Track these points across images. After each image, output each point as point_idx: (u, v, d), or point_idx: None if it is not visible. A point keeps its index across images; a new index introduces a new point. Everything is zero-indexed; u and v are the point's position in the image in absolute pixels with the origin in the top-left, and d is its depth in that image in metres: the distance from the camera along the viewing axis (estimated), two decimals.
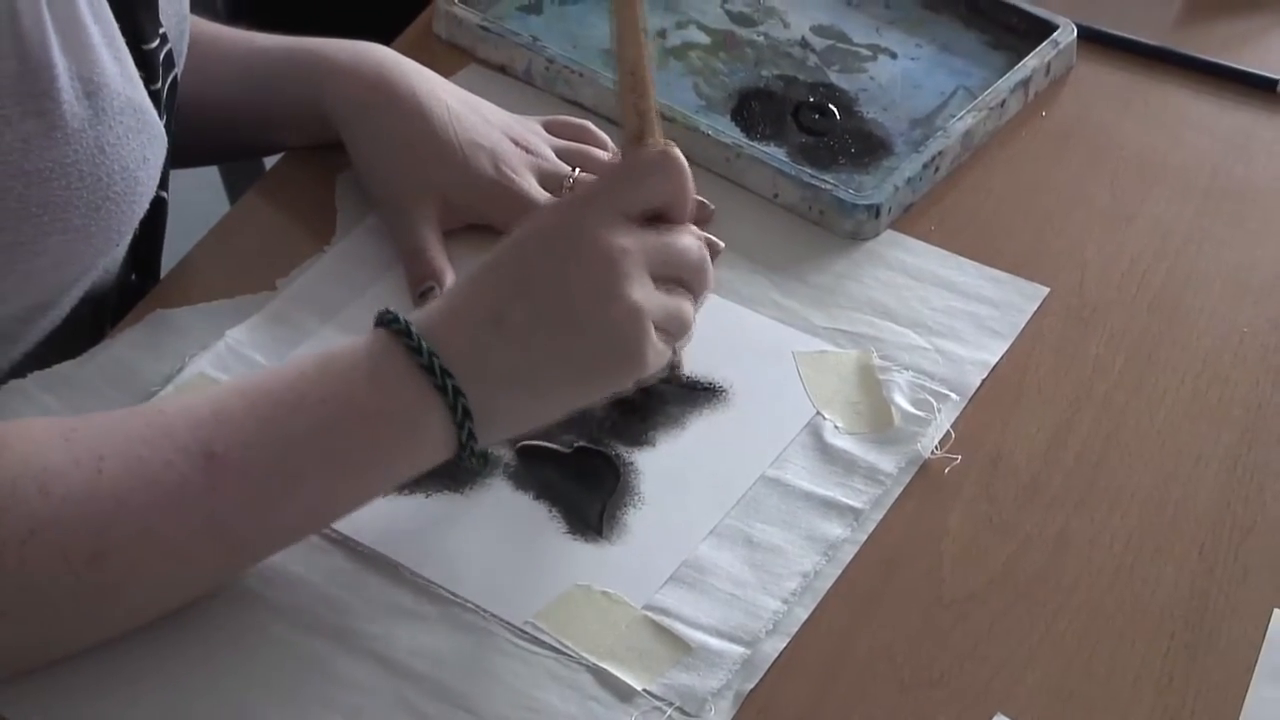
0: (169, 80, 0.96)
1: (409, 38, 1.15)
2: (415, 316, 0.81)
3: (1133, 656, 0.86)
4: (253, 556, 0.81)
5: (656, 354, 0.83)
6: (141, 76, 0.91)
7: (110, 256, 0.94)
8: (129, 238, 0.95)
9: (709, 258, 0.86)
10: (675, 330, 0.84)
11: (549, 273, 0.81)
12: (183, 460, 0.76)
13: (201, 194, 1.62)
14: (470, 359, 0.80)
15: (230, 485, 0.77)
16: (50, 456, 0.76)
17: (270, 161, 1.37)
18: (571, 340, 0.81)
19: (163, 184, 0.99)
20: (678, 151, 0.85)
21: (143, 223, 0.95)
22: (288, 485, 0.79)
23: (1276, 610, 0.88)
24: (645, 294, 0.81)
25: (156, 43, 0.94)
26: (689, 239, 0.85)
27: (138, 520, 0.76)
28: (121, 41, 0.90)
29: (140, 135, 0.90)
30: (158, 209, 1.00)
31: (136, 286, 1.02)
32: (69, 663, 0.79)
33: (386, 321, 0.81)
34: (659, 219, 0.84)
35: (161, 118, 0.94)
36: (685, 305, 0.85)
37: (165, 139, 0.94)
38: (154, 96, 0.93)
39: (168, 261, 1.03)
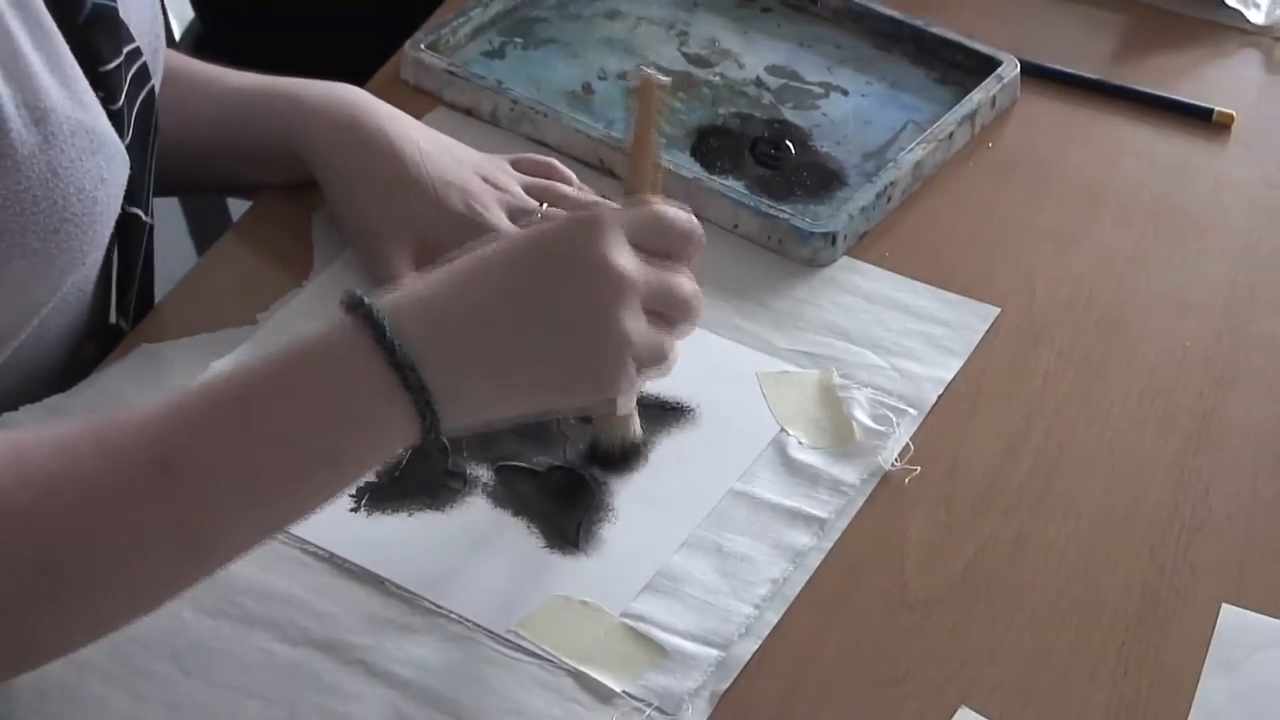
0: (142, 95, 0.99)
1: (378, 83, 1.19)
2: (386, 302, 0.79)
3: (1089, 650, 0.90)
4: (220, 560, 0.79)
5: (629, 381, 0.84)
6: (100, 97, 0.94)
7: (77, 277, 0.95)
8: (95, 257, 0.96)
9: (701, 303, 0.88)
10: (651, 364, 0.85)
11: (548, 280, 0.82)
12: (135, 473, 0.75)
13: (166, 235, 1.66)
14: (442, 352, 0.79)
15: (187, 493, 0.75)
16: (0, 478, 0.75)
17: (234, 203, 1.42)
18: (554, 351, 0.81)
19: (143, 207, 1.01)
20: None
21: (121, 249, 0.98)
22: (249, 488, 0.77)
23: (1225, 605, 0.92)
24: (636, 324, 0.82)
25: (119, 61, 0.96)
26: (688, 282, 0.87)
27: (88, 533, 0.74)
28: (71, 66, 0.92)
29: (95, 156, 0.92)
30: (133, 232, 1.01)
31: (125, 332, 1.05)
32: (66, 678, 0.83)
33: (354, 305, 0.79)
34: (662, 257, 0.86)
35: (125, 135, 0.96)
36: (669, 343, 0.86)
37: (125, 157, 0.95)
38: (115, 115, 0.95)
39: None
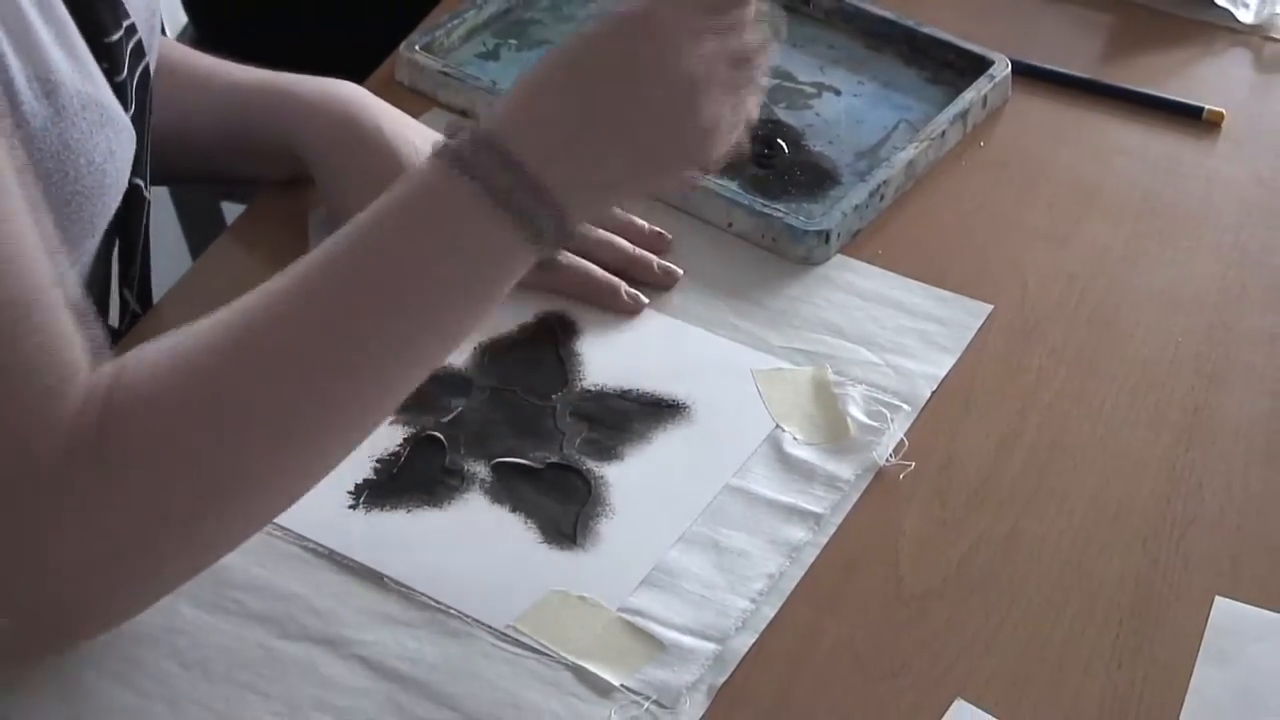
0: (139, 70, 0.99)
1: (373, 84, 1.19)
2: (492, 120, 0.82)
3: (1084, 643, 0.90)
4: (397, 396, 0.82)
5: (724, 144, 0.88)
6: (104, 69, 0.94)
7: (84, 249, 0.96)
8: (103, 229, 0.97)
9: (766, 53, 0.90)
10: (740, 122, 0.88)
11: (629, 73, 0.84)
12: (312, 322, 0.79)
13: (160, 238, 1.67)
14: (555, 159, 0.82)
15: (357, 335, 0.80)
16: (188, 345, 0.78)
17: (228, 206, 1.43)
18: (648, 137, 0.85)
19: (144, 179, 1.02)
20: None
21: (126, 221, 0.98)
22: (411, 322, 0.81)
23: (1218, 597, 0.93)
24: (716, 98, 0.85)
25: (120, 34, 0.96)
26: (750, 35, 0.88)
27: (298, 379, 0.78)
28: (77, 38, 0.92)
29: (104, 129, 0.92)
30: (136, 204, 1.02)
31: (131, 309, 1.06)
32: (67, 673, 0.83)
33: (463, 131, 0.82)
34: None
35: (129, 108, 0.96)
36: (750, 96, 0.88)
37: (131, 131, 0.96)
38: (119, 88, 0.96)
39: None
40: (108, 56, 0.95)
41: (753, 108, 0.89)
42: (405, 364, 0.81)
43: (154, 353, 0.79)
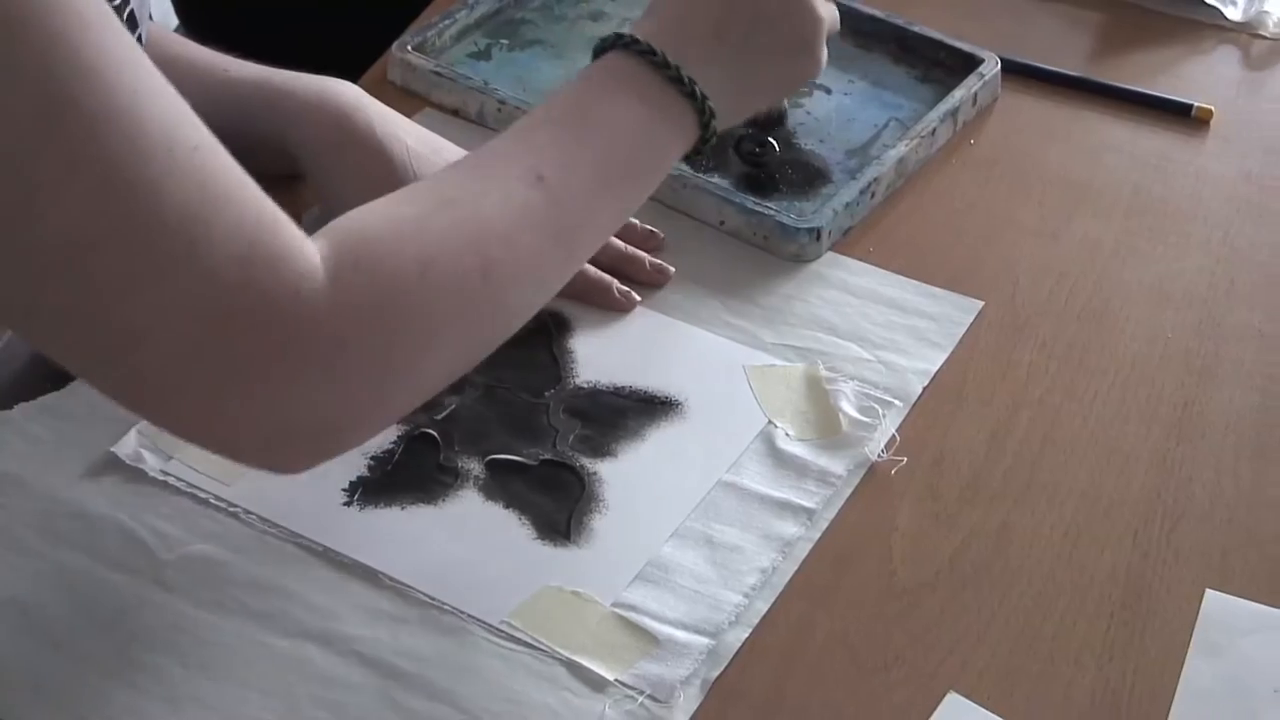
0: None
1: (365, 84, 1.19)
2: (641, 33, 0.92)
3: (1075, 636, 0.91)
4: (585, 257, 0.91)
5: (825, 58, 0.99)
6: None
7: None
8: None
9: None
10: (834, 31, 1.00)
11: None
12: (524, 189, 0.84)
13: None
14: (701, 66, 0.92)
15: (563, 201, 0.85)
16: (404, 210, 0.82)
17: None
18: (776, 49, 0.96)
19: None
20: None
21: None
22: (603, 193, 0.89)
23: (1208, 590, 0.93)
24: (825, 9, 0.97)
25: (117, 2, 0.95)
26: None
27: (504, 239, 0.83)
28: None
29: None
30: None
31: None
32: (66, 670, 0.84)
33: (623, 44, 0.91)
34: None
35: None
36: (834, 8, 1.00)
37: None
38: None
39: None
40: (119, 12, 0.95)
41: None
42: (595, 232, 0.90)
43: (365, 219, 0.82)
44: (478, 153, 0.88)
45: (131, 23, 0.99)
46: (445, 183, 0.85)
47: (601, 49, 0.92)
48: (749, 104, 0.98)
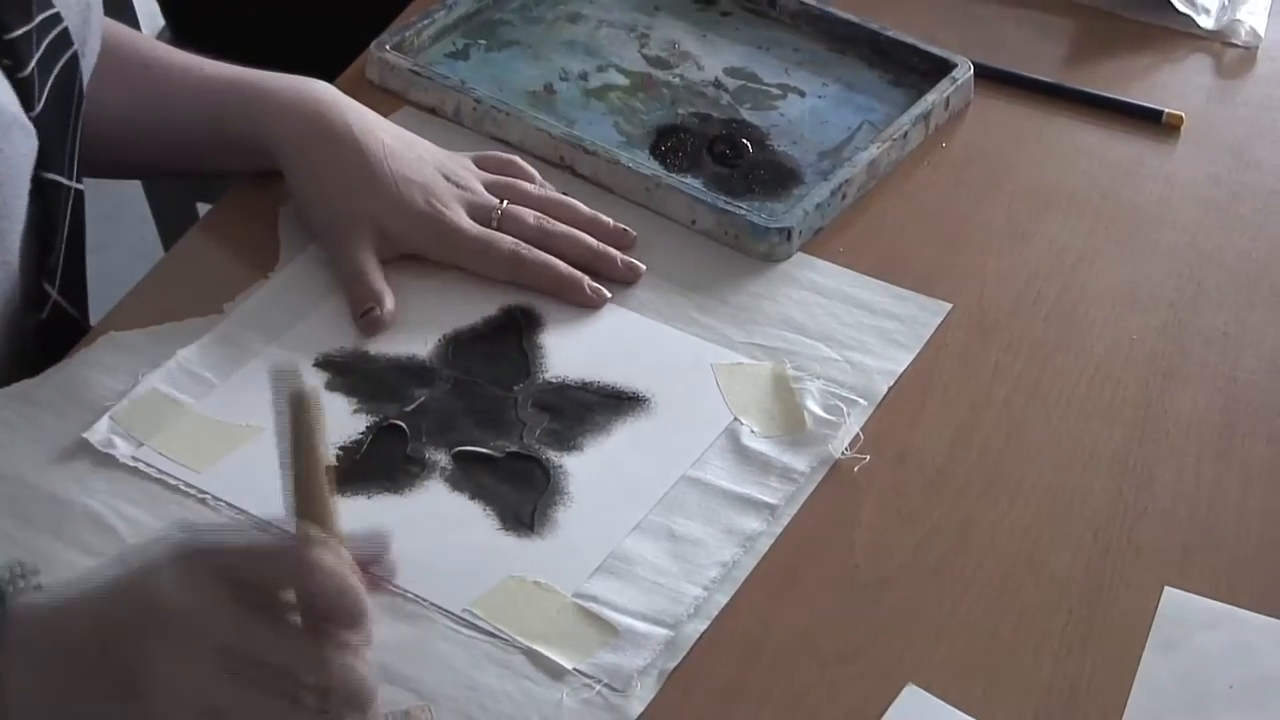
0: (63, 60, 1.00)
1: (344, 82, 1.20)
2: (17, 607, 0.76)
3: (1034, 630, 0.92)
4: None
5: None
6: (6, 65, 0.95)
7: None
8: (6, 228, 0.97)
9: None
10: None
11: (122, 634, 0.74)
12: None
13: (134, 229, 1.68)
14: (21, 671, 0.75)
15: None
16: None
17: (201, 203, 1.44)
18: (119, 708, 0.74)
19: (64, 173, 1.02)
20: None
21: (40, 216, 0.99)
22: None
23: (1167, 587, 0.94)
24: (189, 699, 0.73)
25: (29, 28, 0.97)
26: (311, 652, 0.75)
27: None
28: None
29: None
30: (52, 198, 1.02)
31: (61, 307, 1.06)
32: None
33: None
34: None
35: (36, 103, 0.97)
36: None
37: (28, 127, 0.96)
38: (22, 84, 0.96)
39: (109, 295, 1.07)
40: (8, 53, 0.96)
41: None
42: None
43: None
44: None
45: (63, 42, 1.00)
46: None
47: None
48: None
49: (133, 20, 1.62)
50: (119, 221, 1.73)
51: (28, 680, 0.75)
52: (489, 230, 1.08)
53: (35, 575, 0.78)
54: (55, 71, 1.00)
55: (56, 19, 1.00)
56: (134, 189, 1.68)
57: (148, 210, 1.68)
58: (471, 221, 1.08)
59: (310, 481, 0.75)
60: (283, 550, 0.75)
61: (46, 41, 0.99)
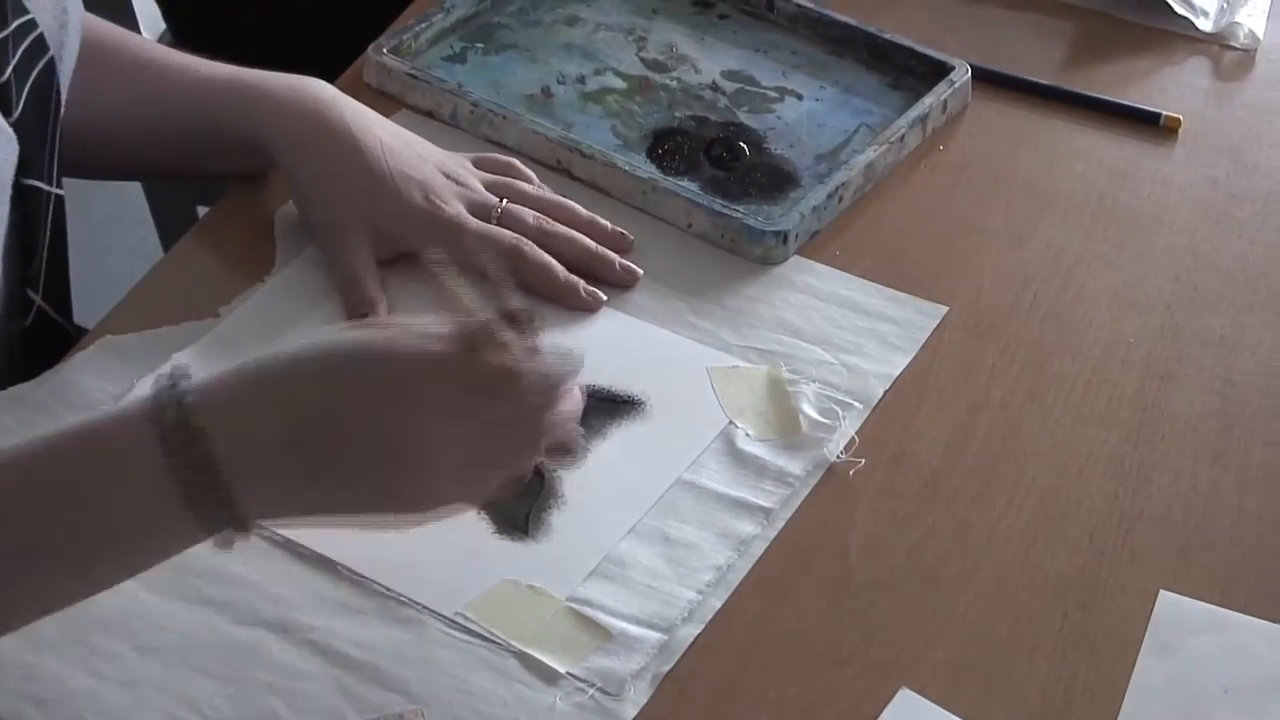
0: (40, 66, 1.00)
1: (342, 85, 1.19)
2: (203, 396, 0.77)
3: (1029, 633, 0.92)
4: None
5: (440, 506, 0.83)
6: None
7: None
8: None
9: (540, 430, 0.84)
10: (470, 494, 0.84)
11: (347, 404, 0.79)
12: None
13: (133, 230, 1.68)
14: (242, 459, 0.77)
15: None
16: None
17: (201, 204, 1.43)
18: (355, 474, 0.80)
19: (44, 179, 1.02)
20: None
21: (19, 221, 0.99)
22: (27, 564, 0.77)
23: (1162, 591, 0.94)
24: (441, 450, 0.80)
25: (4, 34, 0.97)
26: (514, 409, 0.83)
27: None
28: None
29: None
30: (32, 204, 1.02)
31: (46, 313, 1.06)
32: (26, 656, 0.85)
33: (161, 402, 0.77)
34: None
35: (15, 108, 0.97)
36: (497, 464, 0.83)
37: (9, 133, 0.96)
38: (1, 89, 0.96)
39: (110, 297, 1.07)
40: None
41: (521, 465, 0.84)
42: (27, 600, 0.78)
43: None
44: None
45: (39, 49, 1.00)
46: None
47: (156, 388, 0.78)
48: (312, 521, 0.84)
49: (132, 22, 1.63)
50: (120, 223, 1.73)
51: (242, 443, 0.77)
52: (489, 225, 1.08)
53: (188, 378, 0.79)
54: (32, 77, 1.00)
55: (31, 25, 1.00)
56: (134, 191, 1.69)
57: (148, 212, 1.69)
58: (471, 219, 1.08)
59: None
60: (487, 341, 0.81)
61: (22, 48, 0.99)
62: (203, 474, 0.76)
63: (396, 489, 0.81)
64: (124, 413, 0.78)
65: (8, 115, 0.97)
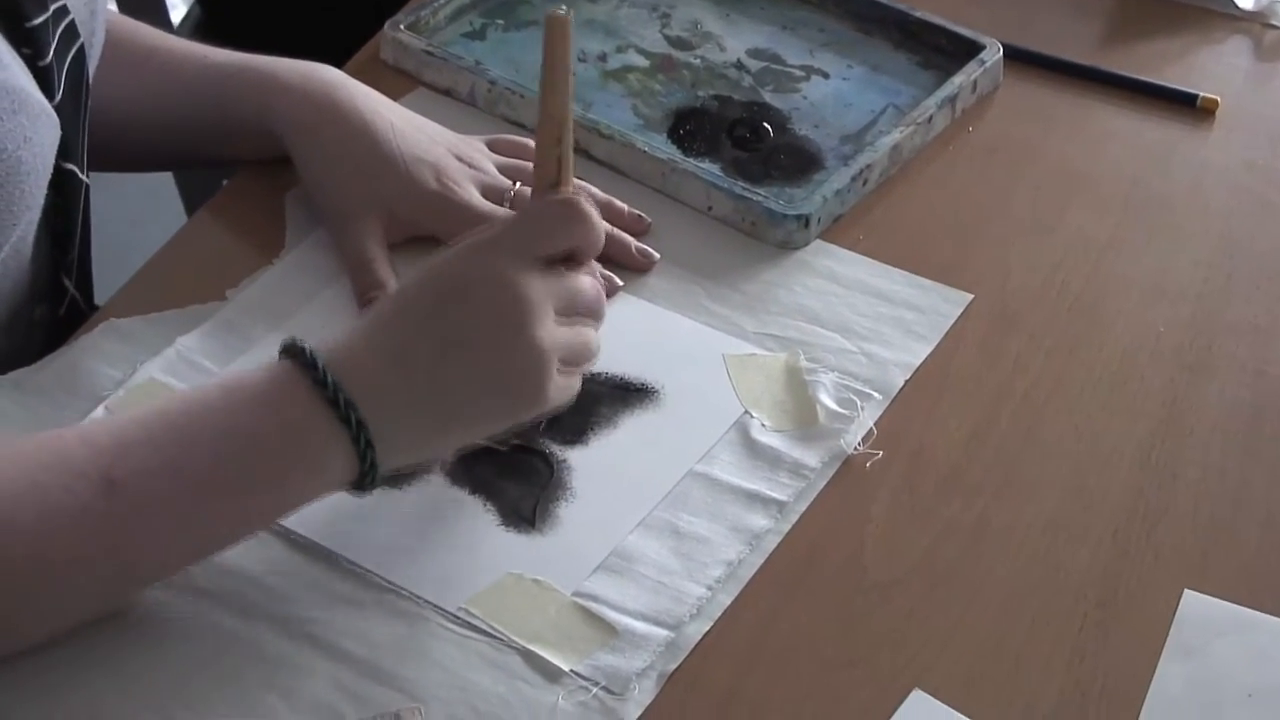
0: (72, 52, 0.99)
1: (358, 63, 1.19)
2: (322, 348, 0.83)
3: (1046, 634, 0.89)
4: (147, 580, 0.84)
5: (559, 390, 0.88)
6: (26, 54, 0.94)
7: (16, 237, 0.95)
8: (29, 218, 0.96)
9: (604, 295, 0.92)
10: (579, 361, 0.89)
11: (456, 313, 0.85)
12: (82, 486, 0.79)
13: (160, 208, 1.67)
14: (374, 392, 0.83)
15: (129, 513, 0.79)
16: None
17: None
18: (475, 378, 0.85)
19: (79, 164, 1.01)
20: (586, 201, 0.89)
21: (59, 206, 0.98)
22: (186, 514, 0.81)
23: (1187, 590, 0.91)
24: (550, 334, 0.86)
25: (45, 17, 0.96)
26: (588, 280, 0.90)
27: (30, 544, 0.78)
28: None
29: (18, 116, 0.91)
30: (70, 189, 1.01)
31: (76, 301, 1.05)
32: (26, 650, 0.83)
33: (292, 352, 0.83)
34: (565, 261, 0.89)
35: (56, 93, 0.96)
36: (588, 335, 0.90)
37: (54, 116, 0.95)
38: (42, 73, 0.95)
39: (122, 275, 1.06)
40: (29, 41, 0.95)
41: (591, 349, 0.90)
42: (171, 553, 0.83)
43: None
44: (61, 435, 0.83)
45: (71, 34, 0.99)
46: (12, 460, 0.79)
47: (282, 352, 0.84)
48: (439, 440, 0.88)
49: (162, 9, 1.61)
50: (149, 210, 1.72)
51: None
52: (502, 208, 1.06)
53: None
54: (68, 62, 0.99)
55: (65, 10, 0.99)
56: (164, 178, 1.67)
57: (179, 202, 1.67)
58: (484, 201, 1.06)
59: (556, 104, 0.88)
60: (567, 215, 0.88)
61: (59, 32, 0.98)
62: (347, 412, 0.82)
63: (513, 375, 0.86)
64: (262, 370, 0.84)
65: (50, 98, 0.96)
